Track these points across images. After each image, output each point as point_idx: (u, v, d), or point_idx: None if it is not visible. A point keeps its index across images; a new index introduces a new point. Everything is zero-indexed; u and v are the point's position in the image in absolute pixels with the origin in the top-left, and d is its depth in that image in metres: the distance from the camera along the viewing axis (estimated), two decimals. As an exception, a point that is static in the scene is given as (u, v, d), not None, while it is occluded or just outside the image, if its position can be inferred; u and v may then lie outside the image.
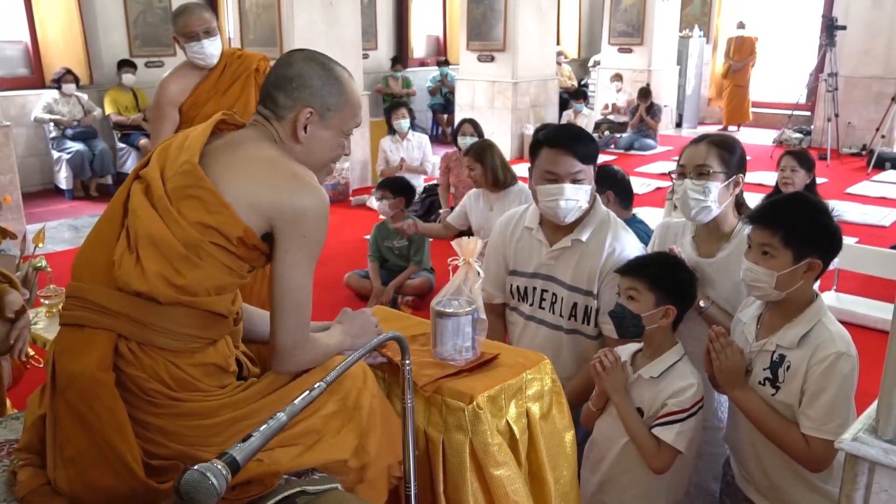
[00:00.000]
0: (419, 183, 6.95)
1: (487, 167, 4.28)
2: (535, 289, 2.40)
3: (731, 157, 2.17)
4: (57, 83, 7.32)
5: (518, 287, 2.44)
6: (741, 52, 11.48)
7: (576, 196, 2.22)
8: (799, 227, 1.82)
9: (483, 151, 4.34)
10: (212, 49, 3.13)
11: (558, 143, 2.24)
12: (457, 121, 9.65)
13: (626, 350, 2.15)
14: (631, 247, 2.31)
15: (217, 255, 1.51)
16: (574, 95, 10.00)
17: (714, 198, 2.14)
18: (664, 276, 2.04)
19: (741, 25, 11.57)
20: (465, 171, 4.46)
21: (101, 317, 1.48)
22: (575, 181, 2.21)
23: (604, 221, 2.33)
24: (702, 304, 2.19)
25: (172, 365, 1.51)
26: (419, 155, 6.98)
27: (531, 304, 2.42)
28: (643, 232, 3.07)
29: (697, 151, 2.18)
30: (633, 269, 2.07)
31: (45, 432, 1.53)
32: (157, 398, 1.49)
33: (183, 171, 1.52)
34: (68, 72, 7.36)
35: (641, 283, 2.02)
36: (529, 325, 2.43)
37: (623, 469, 2.10)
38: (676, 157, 2.30)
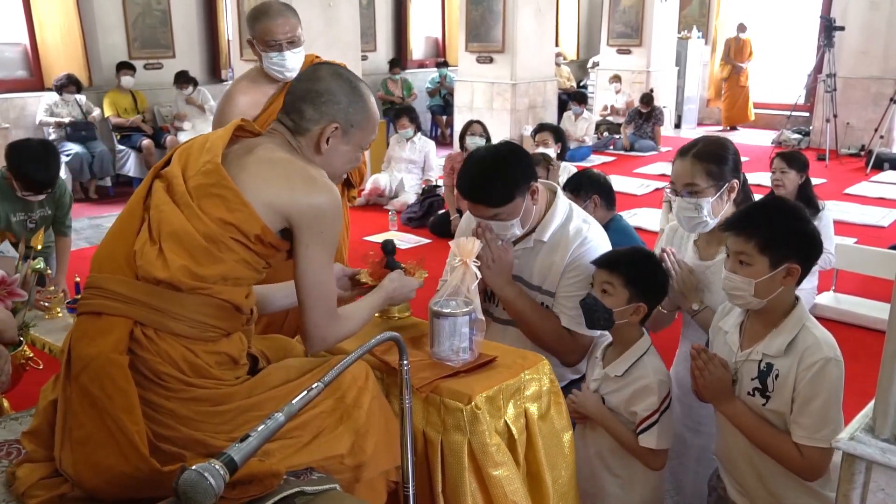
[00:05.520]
0: (414, 183, 6.98)
1: None
2: None
3: (721, 166, 2.13)
4: (59, 90, 7.31)
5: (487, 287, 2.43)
6: (742, 54, 11.51)
7: (503, 231, 2.21)
8: (773, 233, 1.77)
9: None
10: (294, 62, 2.70)
11: (469, 197, 2.20)
12: (456, 122, 9.70)
13: (600, 344, 2.21)
14: (594, 244, 2.25)
15: (237, 250, 1.58)
16: (575, 99, 9.99)
17: (707, 212, 2.12)
18: (640, 274, 2.05)
19: (742, 28, 11.57)
20: None
21: (119, 304, 1.53)
22: (497, 219, 2.18)
23: (567, 220, 2.29)
24: (694, 306, 2.19)
25: (188, 350, 1.55)
26: (420, 158, 7.03)
27: (497, 305, 2.38)
28: (624, 229, 3.05)
29: (683, 169, 2.14)
30: (610, 263, 2.07)
31: (54, 416, 1.56)
32: (170, 382, 1.53)
33: (206, 170, 1.59)
34: (71, 81, 7.33)
35: (617, 279, 2.03)
36: (495, 326, 2.39)
37: (592, 474, 2.16)
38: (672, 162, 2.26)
